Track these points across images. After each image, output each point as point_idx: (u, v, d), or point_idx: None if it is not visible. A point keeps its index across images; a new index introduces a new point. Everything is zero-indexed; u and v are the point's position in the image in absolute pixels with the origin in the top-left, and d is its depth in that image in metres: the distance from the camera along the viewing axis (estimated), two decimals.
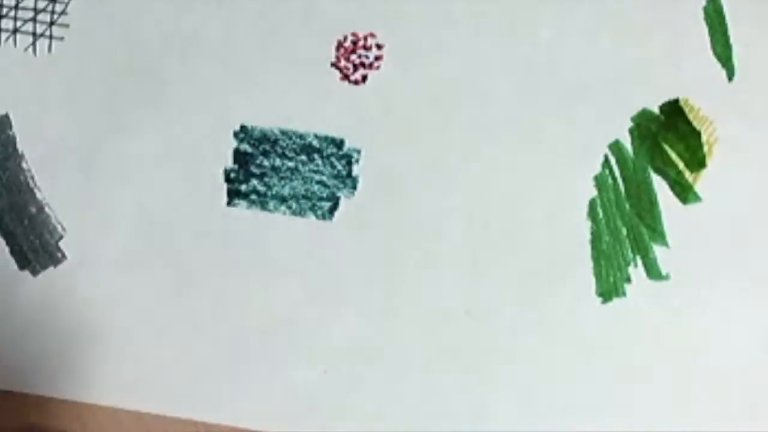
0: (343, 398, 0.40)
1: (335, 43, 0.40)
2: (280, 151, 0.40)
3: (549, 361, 0.40)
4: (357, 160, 0.40)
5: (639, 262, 0.40)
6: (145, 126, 0.40)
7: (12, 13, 0.40)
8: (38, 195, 0.40)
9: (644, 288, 0.40)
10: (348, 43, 0.40)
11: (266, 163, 0.40)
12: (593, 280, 0.40)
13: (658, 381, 0.40)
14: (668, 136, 0.40)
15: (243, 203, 0.40)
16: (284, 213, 0.40)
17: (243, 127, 0.40)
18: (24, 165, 0.40)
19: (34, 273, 0.40)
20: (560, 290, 0.40)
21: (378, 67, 0.40)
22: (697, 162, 0.40)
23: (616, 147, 0.40)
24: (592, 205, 0.40)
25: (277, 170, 0.40)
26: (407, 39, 0.40)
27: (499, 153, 0.40)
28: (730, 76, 0.40)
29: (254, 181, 0.40)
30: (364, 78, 0.40)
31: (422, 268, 0.40)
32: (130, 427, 0.40)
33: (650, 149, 0.40)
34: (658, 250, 0.40)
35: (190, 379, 0.40)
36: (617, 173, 0.40)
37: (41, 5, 0.40)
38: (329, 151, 0.40)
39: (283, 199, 0.40)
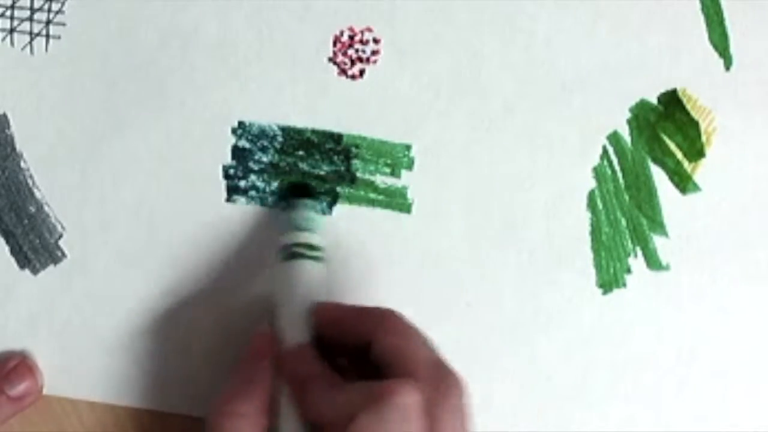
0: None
1: (332, 38, 0.40)
2: (278, 146, 0.40)
3: (549, 352, 0.40)
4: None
5: (639, 252, 0.40)
6: (143, 124, 0.40)
7: (8, 13, 0.40)
8: (37, 194, 0.40)
9: (644, 278, 0.40)
10: (345, 38, 0.40)
11: (265, 159, 0.40)
12: (593, 271, 0.40)
13: (659, 372, 0.40)
14: (667, 127, 0.40)
15: (242, 199, 0.40)
16: (283, 209, 0.40)
17: (241, 123, 0.40)
18: (22, 164, 0.40)
19: (34, 272, 0.40)
20: (560, 282, 0.40)
21: (375, 62, 0.40)
22: (696, 152, 0.40)
23: (614, 138, 0.40)
24: (591, 196, 0.40)
25: (276, 166, 0.40)
26: (404, 33, 0.40)
27: (498, 145, 0.40)
28: (728, 65, 0.40)
29: (253, 177, 0.40)
30: (362, 72, 0.40)
31: (422, 260, 0.40)
32: (129, 424, 0.40)
33: (649, 140, 0.40)
34: (657, 240, 0.40)
35: (189, 376, 0.40)
36: (616, 164, 0.40)
37: (38, 4, 0.40)
38: (327, 146, 0.40)
39: (282, 195, 0.40)
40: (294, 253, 0.37)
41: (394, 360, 0.32)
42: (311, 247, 0.37)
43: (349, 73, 0.40)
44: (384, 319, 0.34)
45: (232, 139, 0.40)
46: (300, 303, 0.36)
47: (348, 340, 0.34)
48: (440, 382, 0.31)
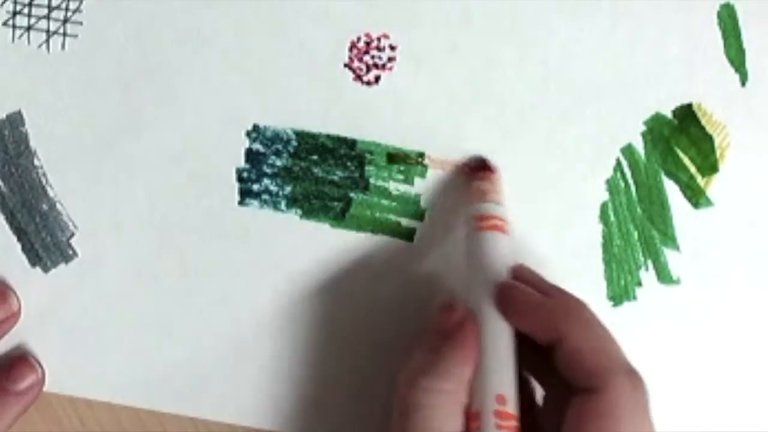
0: (349, 399, 0.40)
1: (348, 44, 0.40)
2: (292, 150, 0.40)
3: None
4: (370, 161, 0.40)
5: (650, 266, 0.40)
6: (157, 124, 0.40)
7: (26, 10, 0.40)
8: (50, 192, 0.40)
9: (655, 292, 0.40)
10: (361, 44, 0.40)
11: (278, 162, 0.40)
12: (604, 283, 0.40)
13: (669, 385, 0.40)
14: (681, 141, 0.40)
15: (255, 203, 0.40)
16: (296, 213, 0.40)
17: (255, 127, 0.40)
18: (36, 162, 0.40)
19: (45, 270, 0.40)
20: (571, 293, 0.40)
21: (391, 68, 0.40)
22: (710, 167, 0.40)
23: (628, 151, 0.40)
24: (603, 208, 0.40)
25: (289, 170, 0.40)
26: (421, 40, 0.40)
27: (511, 155, 0.40)
28: (744, 80, 0.40)
29: (266, 181, 0.40)
30: (377, 79, 0.40)
31: (432, 268, 0.40)
32: (129, 424, 0.40)
33: (662, 153, 0.40)
34: (669, 254, 0.40)
35: (195, 377, 0.40)
36: (629, 177, 0.40)
37: (55, 2, 0.40)
38: (341, 151, 0.40)
39: (294, 200, 0.40)
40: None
41: (585, 364, 0.31)
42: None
43: (365, 79, 0.40)
44: (575, 315, 0.32)
45: (246, 142, 0.40)
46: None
47: (529, 330, 0.33)
48: (632, 390, 0.31)
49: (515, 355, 0.33)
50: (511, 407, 0.32)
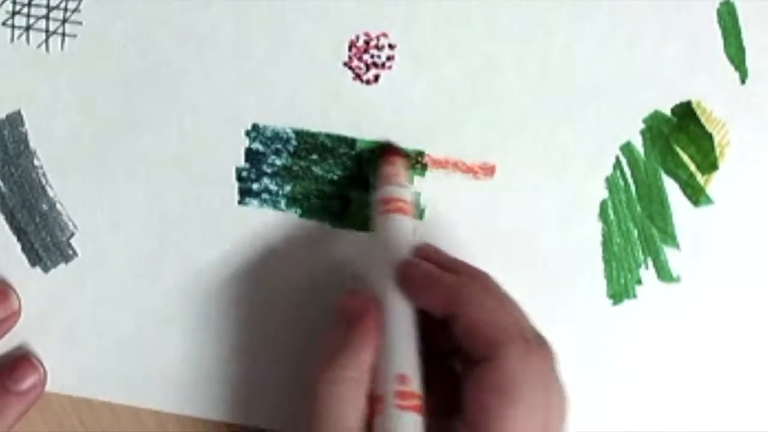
0: None
1: (348, 43, 0.40)
2: (291, 150, 0.40)
3: (559, 362, 0.39)
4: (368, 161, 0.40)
5: (650, 264, 0.40)
6: (157, 124, 0.40)
7: (25, 10, 0.40)
8: (50, 192, 0.40)
9: (655, 290, 0.40)
10: (360, 43, 0.40)
11: (278, 162, 0.40)
12: (604, 281, 0.40)
13: (669, 383, 0.40)
14: (680, 139, 0.40)
15: (254, 202, 0.40)
16: (295, 212, 0.40)
17: (255, 126, 0.40)
18: (36, 162, 0.40)
19: (45, 270, 0.40)
20: (571, 292, 0.40)
21: (390, 67, 0.40)
22: (709, 164, 0.40)
23: (627, 149, 0.40)
24: (603, 206, 0.40)
25: (289, 169, 0.40)
26: (420, 39, 0.40)
27: (511, 154, 0.40)
28: (743, 78, 0.40)
29: (266, 180, 0.40)
30: (377, 78, 0.40)
31: None
32: (129, 423, 0.40)
33: (662, 151, 0.40)
34: (669, 252, 0.40)
35: (195, 377, 0.40)
36: (628, 175, 0.40)
37: (54, 2, 0.40)
38: (341, 150, 0.40)
39: (294, 199, 0.40)
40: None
41: (479, 335, 0.31)
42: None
43: (364, 78, 0.40)
44: (472, 288, 0.32)
45: (246, 142, 0.40)
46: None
47: (429, 306, 0.33)
48: (529, 356, 0.30)
49: (417, 334, 0.33)
50: (414, 386, 0.31)
